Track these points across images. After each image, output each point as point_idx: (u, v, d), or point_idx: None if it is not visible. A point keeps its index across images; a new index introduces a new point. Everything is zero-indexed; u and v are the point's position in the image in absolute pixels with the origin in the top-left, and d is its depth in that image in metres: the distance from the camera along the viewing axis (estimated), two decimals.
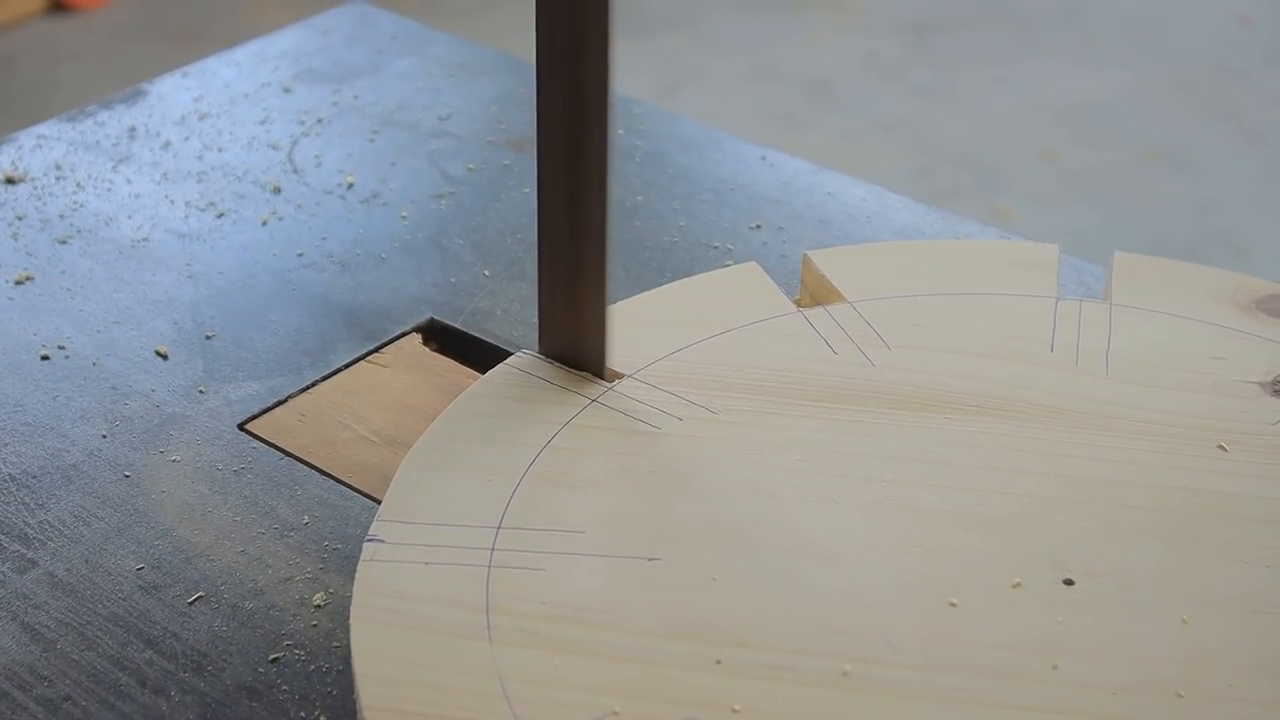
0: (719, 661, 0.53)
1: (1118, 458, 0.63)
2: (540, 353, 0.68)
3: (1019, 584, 0.56)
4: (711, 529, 0.59)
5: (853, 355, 0.68)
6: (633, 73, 2.73)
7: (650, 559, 0.57)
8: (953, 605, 0.55)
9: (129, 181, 0.88)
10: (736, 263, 0.80)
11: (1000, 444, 0.63)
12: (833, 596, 0.56)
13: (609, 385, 0.66)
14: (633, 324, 0.70)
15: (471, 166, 0.90)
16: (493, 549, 0.58)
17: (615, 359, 0.67)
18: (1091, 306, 0.71)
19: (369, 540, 0.58)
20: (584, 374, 0.67)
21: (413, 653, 0.53)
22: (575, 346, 0.67)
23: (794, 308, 0.71)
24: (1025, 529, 0.59)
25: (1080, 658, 0.53)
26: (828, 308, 0.71)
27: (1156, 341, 0.69)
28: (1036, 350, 0.68)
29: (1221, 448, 0.63)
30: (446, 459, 0.62)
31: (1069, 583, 0.56)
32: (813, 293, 0.74)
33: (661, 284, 0.79)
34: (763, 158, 0.91)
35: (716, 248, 0.82)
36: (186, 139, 0.92)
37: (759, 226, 0.84)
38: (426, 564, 0.57)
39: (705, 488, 0.61)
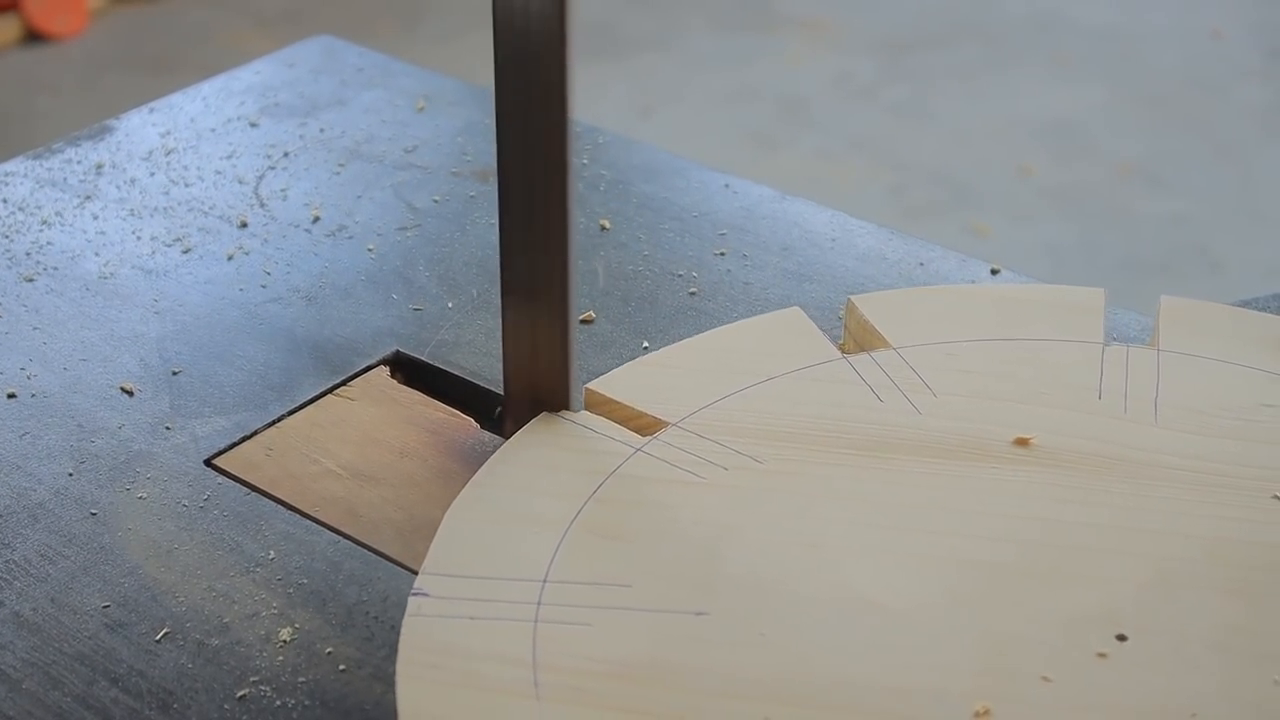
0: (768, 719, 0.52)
1: (1170, 509, 0.62)
2: (505, 385, 0.68)
3: (1076, 641, 0.56)
4: (759, 582, 0.58)
5: (899, 403, 0.67)
6: (608, 95, 2.74)
7: (698, 613, 0.57)
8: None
9: (95, 218, 0.88)
10: (701, 291, 0.81)
11: (1050, 495, 0.62)
12: (882, 652, 0.55)
13: (653, 434, 0.66)
14: (675, 371, 0.69)
15: (437, 198, 0.90)
16: (539, 603, 0.57)
17: (659, 407, 0.67)
18: (1139, 353, 0.71)
19: (414, 594, 0.57)
20: (612, 420, 0.67)
21: (460, 710, 0.53)
22: (540, 378, 0.67)
23: (838, 353, 0.71)
24: (1077, 582, 0.58)
25: (1137, 717, 0.53)
26: (873, 354, 0.71)
27: (1205, 388, 0.68)
28: (1084, 397, 0.68)
29: (1277, 498, 0.62)
30: (490, 511, 0.62)
31: (1122, 638, 0.56)
32: (857, 338, 0.73)
33: (626, 312, 0.79)
34: (726, 185, 0.91)
35: (681, 276, 0.83)
36: (153, 174, 0.92)
37: (723, 254, 0.85)
38: (472, 619, 0.56)
39: (752, 540, 0.60)
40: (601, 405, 0.68)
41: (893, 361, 0.70)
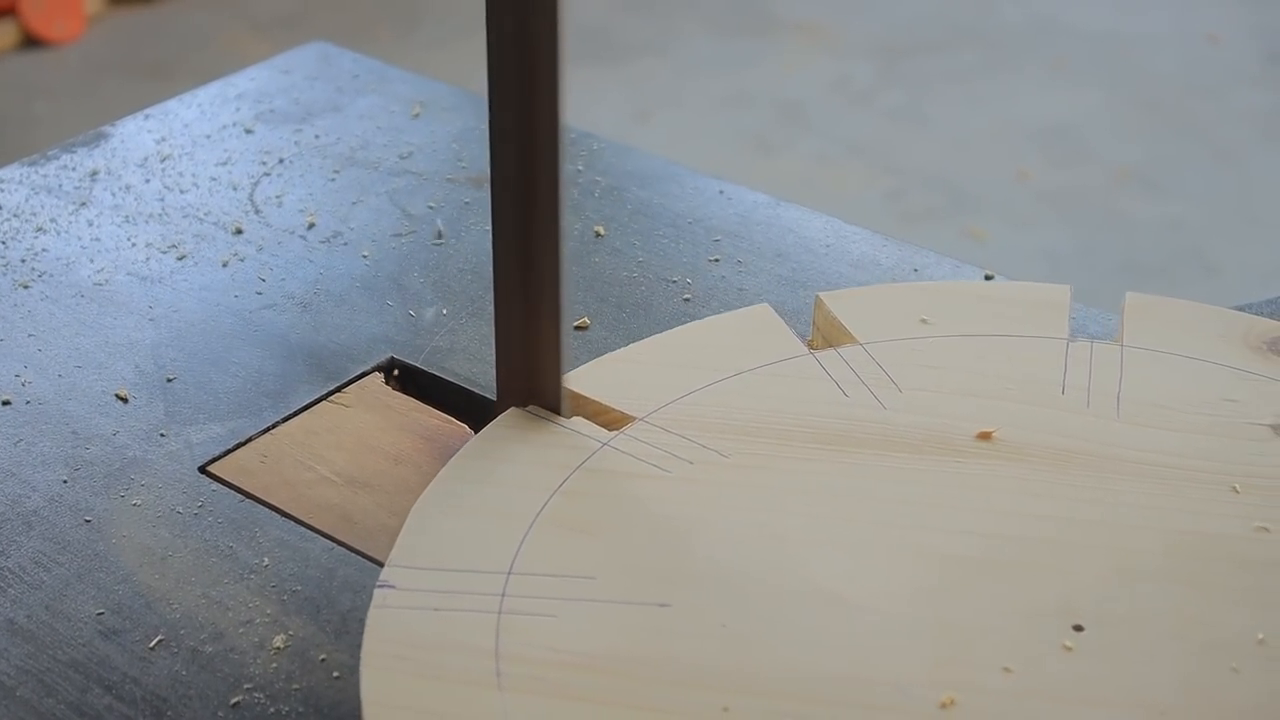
0: (727, 709, 0.53)
1: (1130, 501, 0.62)
2: (498, 391, 0.68)
3: (1038, 632, 0.56)
4: (722, 574, 0.59)
5: (864, 398, 0.68)
6: (605, 100, 2.74)
7: (661, 605, 0.57)
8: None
9: (90, 224, 0.88)
10: (695, 297, 0.81)
11: (1011, 488, 0.63)
12: (844, 643, 0.56)
13: (620, 429, 0.66)
14: (643, 366, 0.70)
15: (432, 204, 0.90)
16: (503, 595, 0.57)
17: (626, 402, 0.67)
18: (1102, 348, 0.71)
19: (379, 586, 0.58)
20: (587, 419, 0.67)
21: (423, 700, 0.53)
22: (532, 384, 0.67)
23: (805, 349, 0.71)
24: (1037, 573, 0.59)
25: (1098, 707, 0.53)
26: (839, 349, 0.71)
27: (1167, 383, 0.69)
28: (1048, 392, 0.68)
29: (1235, 490, 0.63)
30: (457, 504, 0.62)
31: (1079, 629, 0.56)
32: (824, 334, 0.74)
33: (621, 318, 0.79)
34: (721, 191, 0.91)
35: (675, 282, 0.83)
36: (148, 181, 0.92)
37: (717, 260, 0.85)
38: (436, 610, 0.57)
39: (716, 533, 0.61)
40: (569, 400, 0.69)
41: (859, 357, 0.70)
